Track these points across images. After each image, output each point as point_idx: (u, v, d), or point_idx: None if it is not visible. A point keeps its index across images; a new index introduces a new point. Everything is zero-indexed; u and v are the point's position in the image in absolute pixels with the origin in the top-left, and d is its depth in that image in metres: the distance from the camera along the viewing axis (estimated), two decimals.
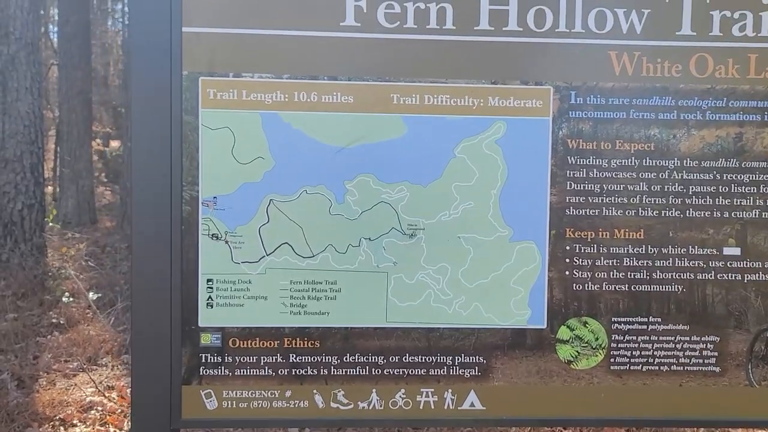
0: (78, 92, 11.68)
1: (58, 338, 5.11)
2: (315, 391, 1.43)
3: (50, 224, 8.91)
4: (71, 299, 6.04)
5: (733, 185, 1.43)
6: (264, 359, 1.42)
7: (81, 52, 11.83)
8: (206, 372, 1.42)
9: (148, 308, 1.39)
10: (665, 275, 1.44)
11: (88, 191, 11.68)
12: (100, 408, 3.81)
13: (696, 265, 1.44)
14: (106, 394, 3.94)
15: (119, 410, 3.78)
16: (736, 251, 1.44)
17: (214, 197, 1.40)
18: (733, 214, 1.44)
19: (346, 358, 1.43)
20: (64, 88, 11.76)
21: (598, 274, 1.44)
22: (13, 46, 6.74)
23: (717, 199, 1.43)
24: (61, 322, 5.51)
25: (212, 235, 1.40)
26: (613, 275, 1.44)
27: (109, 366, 4.43)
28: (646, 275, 1.44)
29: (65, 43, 11.74)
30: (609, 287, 1.44)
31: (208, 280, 1.41)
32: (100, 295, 6.11)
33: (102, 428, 3.58)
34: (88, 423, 3.62)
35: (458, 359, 1.44)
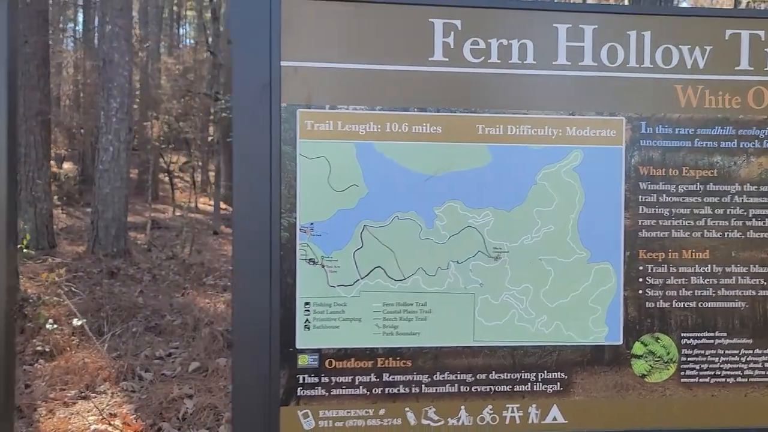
0: (36, 113, 11.46)
1: (44, 366, 5.00)
2: (407, 408, 1.49)
3: (24, 250, 8.69)
4: (55, 326, 5.91)
5: None
6: (358, 379, 1.47)
7: (39, 73, 11.63)
8: (303, 393, 1.46)
9: (248, 331, 1.43)
10: (729, 292, 1.55)
11: (46, 215, 11.41)
12: None
13: (757, 282, 1.55)
14: (111, 422, 3.88)
15: None
16: None
17: (311, 223, 1.46)
18: None
19: (436, 377, 1.49)
20: (22, 109, 11.51)
21: (668, 293, 1.54)
22: None
23: None
24: (47, 349, 5.38)
25: (309, 259, 1.46)
26: (681, 293, 1.54)
27: (108, 393, 4.36)
28: (712, 292, 1.55)
29: (24, 64, 11.51)
30: (678, 304, 1.54)
31: (306, 303, 1.46)
32: (84, 320, 5.99)
33: None
34: None
35: (541, 375, 1.52)
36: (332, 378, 1.47)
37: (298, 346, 1.46)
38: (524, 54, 1.51)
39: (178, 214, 15.73)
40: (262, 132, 1.43)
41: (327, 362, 1.47)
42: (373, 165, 1.47)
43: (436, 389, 1.50)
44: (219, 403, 4.14)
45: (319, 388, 1.47)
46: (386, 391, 1.48)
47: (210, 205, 17.06)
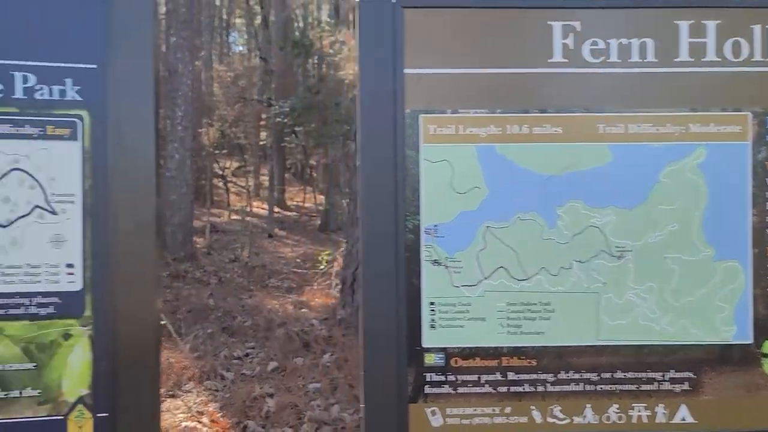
0: None
1: None
2: (533, 407, 1.50)
3: None
4: None
5: None
6: (484, 377, 1.49)
7: None
8: (431, 390, 1.49)
9: (377, 331, 1.47)
10: None
11: None
12: None
13: None
14: (200, 420, 4.00)
15: None
16: None
17: (435, 225, 1.49)
18: None
19: (561, 375, 1.50)
20: None
21: None
22: None
23: None
24: None
25: (433, 261, 1.48)
26: None
27: (194, 392, 4.49)
28: None
29: None
30: None
31: (431, 303, 1.49)
32: (163, 322, 6.17)
33: None
34: None
35: (668, 375, 1.51)
36: (458, 376, 1.49)
37: (425, 345, 1.49)
38: (644, 52, 1.50)
39: (233, 218, 16.04)
40: (388, 138, 1.47)
41: (453, 361, 1.49)
42: (494, 167, 1.49)
43: (562, 388, 1.50)
44: (299, 402, 4.22)
45: (446, 386, 1.49)
46: (511, 390, 1.50)
47: (264, 208, 17.36)
